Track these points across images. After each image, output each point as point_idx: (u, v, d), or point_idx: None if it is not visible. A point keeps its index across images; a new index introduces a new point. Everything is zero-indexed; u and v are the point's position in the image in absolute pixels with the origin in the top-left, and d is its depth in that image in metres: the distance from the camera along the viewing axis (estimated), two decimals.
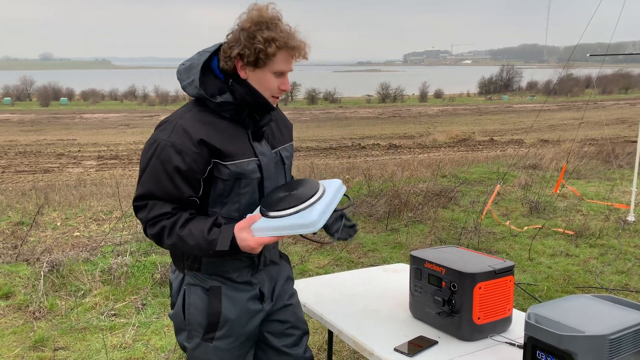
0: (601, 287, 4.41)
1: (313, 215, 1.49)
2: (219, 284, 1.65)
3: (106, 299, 4.08)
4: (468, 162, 11.76)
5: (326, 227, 1.86)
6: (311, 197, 1.54)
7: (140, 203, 1.58)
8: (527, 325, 1.44)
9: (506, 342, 1.83)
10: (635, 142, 17.20)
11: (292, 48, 1.56)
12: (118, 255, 4.72)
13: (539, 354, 1.42)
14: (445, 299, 1.90)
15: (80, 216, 6.82)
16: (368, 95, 59.69)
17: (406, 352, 1.77)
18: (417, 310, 2.05)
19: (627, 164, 10.90)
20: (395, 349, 1.80)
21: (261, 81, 1.59)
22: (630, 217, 6.49)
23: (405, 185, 7.92)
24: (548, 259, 5.18)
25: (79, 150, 22.69)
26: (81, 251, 5.02)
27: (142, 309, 3.97)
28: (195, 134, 1.54)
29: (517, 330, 1.95)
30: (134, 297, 4.15)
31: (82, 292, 4.19)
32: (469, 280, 1.83)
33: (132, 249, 4.98)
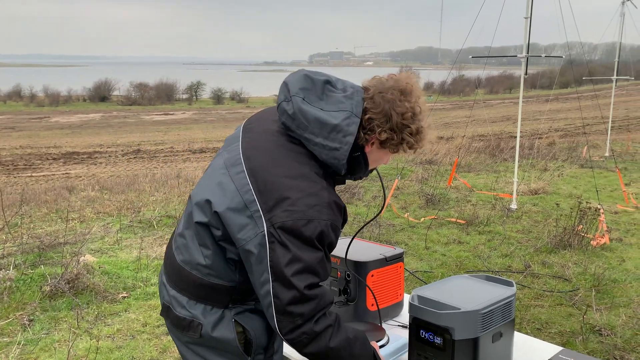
0: (488, 269, 4.80)
1: None
2: (254, 303, 1.51)
3: None
4: None
5: None
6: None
7: (310, 293, 1.30)
8: (411, 306, 1.53)
9: (398, 325, 1.93)
10: (516, 137, 18.75)
11: (428, 144, 1.48)
12: (0, 270, 4.32)
13: (421, 332, 1.51)
14: (341, 289, 1.96)
15: None
16: (275, 95, 59.57)
17: None
18: None
19: (510, 157, 11.92)
20: None
21: (378, 158, 1.47)
22: (513, 205, 7.11)
23: None
24: (442, 247, 5.52)
25: None
26: None
27: (29, 325, 3.66)
28: (337, 201, 1.36)
29: (407, 313, 2.06)
30: (20, 313, 3.82)
31: None
32: (362, 268, 1.89)
33: (17, 262, 4.58)
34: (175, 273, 1.50)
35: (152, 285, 4.42)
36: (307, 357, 1.36)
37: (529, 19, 6.58)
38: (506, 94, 62.92)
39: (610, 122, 12.93)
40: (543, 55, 6.76)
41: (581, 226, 5.46)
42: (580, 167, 10.80)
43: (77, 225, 6.27)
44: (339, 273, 1.98)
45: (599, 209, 5.90)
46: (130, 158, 16.21)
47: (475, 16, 6.87)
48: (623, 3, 12.28)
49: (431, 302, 1.51)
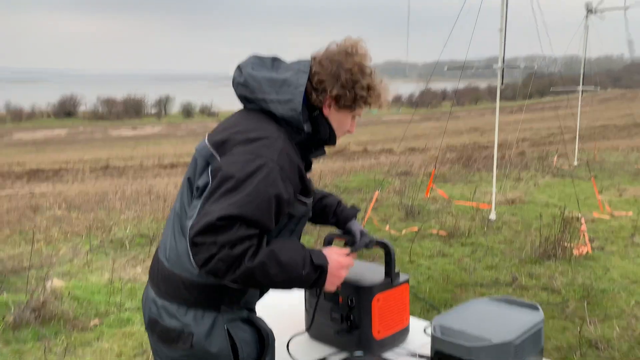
0: (476, 283, 4.70)
1: None
2: (247, 312, 1.52)
3: None
4: (346, 171, 12.10)
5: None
6: None
7: (224, 223, 1.26)
8: (434, 339, 1.38)
9: (409, 355, 1.77)
10: (488, 147, 19.00)
11: (385, 101, 1.52)
12: None
13: None
14: (343, 315, 1.79)
15: None
16: None
17: None
18: (315, 329, 1.92)
19: (484, 167, 12.03)
20: None
21: (341, 122, 1.52)
22: (492, 216, 7.09)
23: None
24: (427, 260, 5.42)
25: None
26: None
27: None
28: (296, 160, 1.40)
29: (415, 340, 1.90)
30: None
31: None
32: (367, 293, 1.74)
33: None
34: (165, 281, 1.47)
35: (126, 310, 4.14)
36: (234, 284, 1.31)
37: (503, 31, 6.62)
38: (472, 106, 64.31)
39: (577, 132, 13.21)
40: (522, 66, 6.80)
41: (562, 236, 5.45)
42: (553, 176, 10.95)
43: (43, 247, 5.91)
44: (340, 298, 1.80)
45: (580, 218, 5.91)
46: (98, 174, 15.70)
47: (451, 29, 6.92)
48: (587, 16, 12.63)
49: (456, 333, 1.36)
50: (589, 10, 12.56)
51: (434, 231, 6.43)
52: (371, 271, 1.90)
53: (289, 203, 1.38)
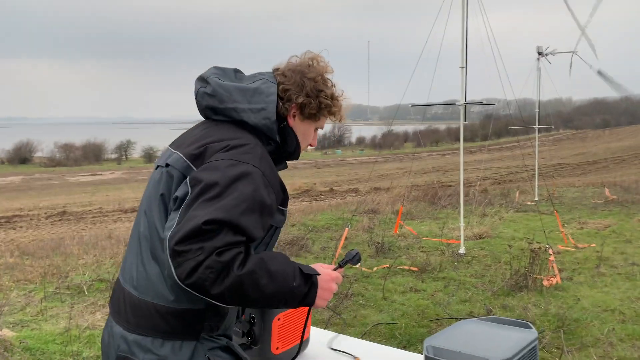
0: (451, 317, 4.62)
1: None
2: (226, 339, 1.42)
3: None
4: (314, 210, 12.02)
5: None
6: None
7: (211, 227, 1.16)
8: (427, 359, 1.28)
9: None
10: (451, 185, 19.33)
11: (344, 111, 1.55)
12: None
13: None
14: (245, 331, 1.81)
15: None
16: None
17: None
18: None
19: (449, 204, 12.19)
20: None
21: (305, 133, 1.52)
22: (462, 250, 7.11)
23: None
24: (400, 296, 5.32)
25: None
26: None
27: None
28: (274, 169, 1.38)
29: (318, 354, 1.96)
30: None
31: None
32: (269, 313, 1.77)
33: None
34: (135, 313, 1.35)
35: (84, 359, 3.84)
36: (221, 300, 1.18)
37: (464, 69, 6.84)
38: (433, 147, 66.03)
39: (537, 168, 13.64)
40: (483, 101, 7.02)
41: (531, 268, 5.47)
42: (516, 211, 11.17)
43: None
44: (243, 314, 1.80)
45: (548, 249, 5.98)
46: (54, 221, 15.04)
47: (411, 74, 7.18)
48: (538, 58, 13.29)
49: (451, 353, 1.27)
50: (540, 54, 13.24)
51: (406, 267, 6.36)
52: None
53: (272, 211, 1.30)
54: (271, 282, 1.19)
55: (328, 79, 1.50)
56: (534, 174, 13.60)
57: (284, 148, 1.49)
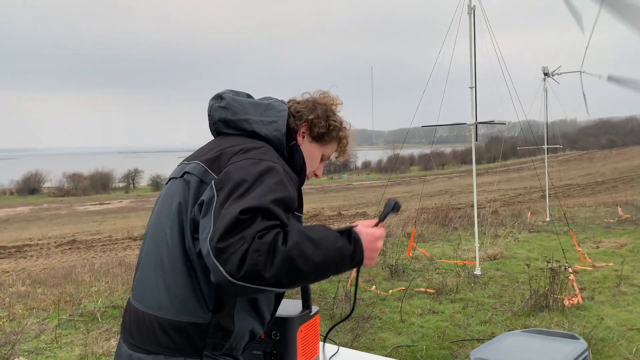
0: (472, 338, 4.52)
1: None
2: (229, 358, 1.38)
3: None
4: None
5: None
6: None
7: (247, 216, 1.17)
8: None
9: None
10: (461, 208, 19.20)
11: (349, 144, 1.61)
12: None
13: None
14: (267, 351, 1.72)
15: None
16: None
17: None
18: None
19: (461, 226, 12.10)
20: None
21: (311, 156, 1.56)
22: (477, 271, 7.00)
23: None
24: (418, 318, 5.22)
25: None
26: None
27: None
28: (290, 171, 1.41)
29: None
30: None
31: None
32: (292, 325, 1.70)
33: None
34: (138, 327, 1.33)
35: None
36: (277, 284, 1.15)
37: (474, 88, 6.87)
38: (439, 170, 65.99)
39: (547, 189, 13.55)
40: (495, 121, 7.02)
41: (548, 288, 5.38)
42: (529, 232, 11.05)
43: (5, 324, 5.45)
44: (262, 334, 1.72)
45: (567, 269, 5.88)
46: (64, 249, 15.04)
47: (421, 96, 7.22)
48: (544, 79, 13.35)
49: None
50: (546, 74, 13.30)
51: (422, 289, 6.27)
52: (284, 304, 1.84)
53: (294, 205, 1.32)
54: (317, 249, 1.18)
55: (337, 110, 1.59)
56: (544, 195, 13.50)
57: (291, 165, 1.48)
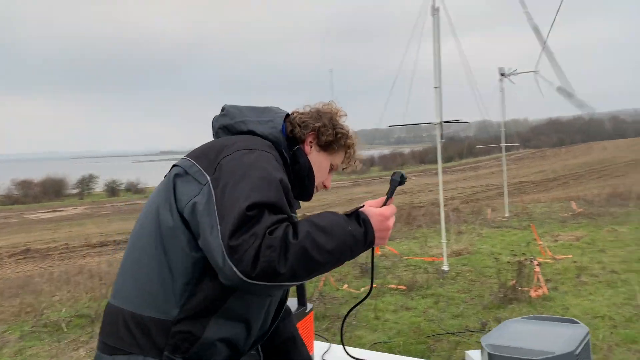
0: (447, 332, 4.61)
1: None
2: None
3: None
4: None
5: None
6: None
7: (254, 212, 1.15)
8: (492, 357, 1.26)
9: None
10: (422, 206, 19.51)
11: (356, 153, 1.58)
12: None
13: None
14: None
15: None
16: None
17: None
18: None
19: (424, 224, 12.33)
20: None
21: (320, 166, 1.52)
22: (445, 267, 7.15)
23: None
24: (392, 315, 5.28)
25: None
26: None
27: None
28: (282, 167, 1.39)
29: None
30: None
31: None
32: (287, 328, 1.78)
33: None
34: (108, 321, 1.31)
35: None
36: (293, 277, 1.14)
37: (439, 88, 7.02)
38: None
39: (506, 186, 13.99)
40: (461, 120, 7.19)
41: (515, 281, 5.55)
42: (490, 228, 11.37)
43: None
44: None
45: (532, 261, 6.08)
46: (18, 259, 14.37)
47: (387, 97, 7.35)
48: (501, 79, 13.78)
49: (512, 349, 1.26)
50: (502, 75, 13.74)
51: (393, 286, 6.35)
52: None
53: (289, 189, 1.30)
54: (329, 237, 1.17)
55: (342, 118, 1.58)
56: (500, 192, 13.93)
57: (295, 169, 1.46)
